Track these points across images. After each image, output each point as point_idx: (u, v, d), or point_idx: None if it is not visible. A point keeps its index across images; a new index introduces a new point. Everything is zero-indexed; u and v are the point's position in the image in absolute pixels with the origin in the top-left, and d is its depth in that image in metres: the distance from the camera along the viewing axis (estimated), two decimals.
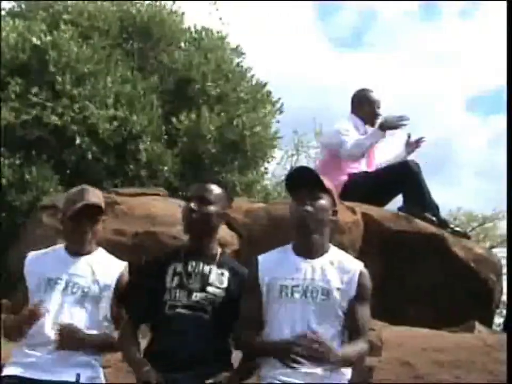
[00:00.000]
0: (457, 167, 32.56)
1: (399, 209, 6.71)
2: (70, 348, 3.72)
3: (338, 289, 3.46)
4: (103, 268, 3.90)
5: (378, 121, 6.92)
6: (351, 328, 3.48)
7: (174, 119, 10.27)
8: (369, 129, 7.07)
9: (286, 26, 32.96)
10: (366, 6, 39.11)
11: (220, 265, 3.69)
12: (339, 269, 3.51)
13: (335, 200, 3.60)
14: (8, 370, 3.74)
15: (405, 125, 6.78)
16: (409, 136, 7.16)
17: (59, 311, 3.77)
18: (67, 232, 3.96)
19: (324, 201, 3.52)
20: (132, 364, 3.63)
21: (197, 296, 3.60)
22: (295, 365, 3.29)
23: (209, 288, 3.62)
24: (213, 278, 3.65)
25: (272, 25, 30.71)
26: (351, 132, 6.89)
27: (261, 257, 3.61)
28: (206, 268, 3.67)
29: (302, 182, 3.53)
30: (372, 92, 7.19)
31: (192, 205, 3.68)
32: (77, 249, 3.91)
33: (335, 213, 3.59)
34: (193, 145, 10.22)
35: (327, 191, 3.55)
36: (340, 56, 37.95)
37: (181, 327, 3.54)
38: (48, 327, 3.74)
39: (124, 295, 3.86)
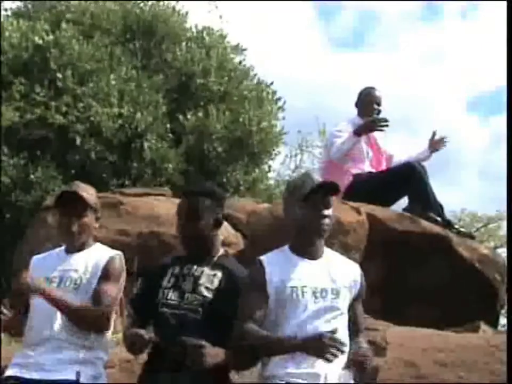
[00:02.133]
0: (459, 167, 32.52)
1: (404, 209, 6.70)
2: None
3: (345, 287, 3.50)
4: (95, 258, 3.89)
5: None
6: (353, 326, 3.51)
7: (180, 117, 10.28)
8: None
9: (286, 25, 32.98)
10: (366, 6, 39.11)
11: (214, 267, 3.70)
12: (342, 268, 3.56)
13: None
14: (9, 372, 3.75)
15: (381, 128, 6.76)
16: (434, 135, 7.12)
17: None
18: (58, 227, 3.98)
19: (332, 208, 3.56)
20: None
21: (188, 297, 3.62)
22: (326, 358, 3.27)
23: (199, 289, 3.63)
24: (203, 279, 3.66)
25: (272, 25, 30.75)
26: (343, 133, 6.86)
27: (265, 259, 3.59)
28: (199, 270, 3.68)
29: (319, 191, 3.54)
30: (371, 89, 7.16)
31: (182, 225, 3.71)
32: (72, 246, 3.91)
33: None
34: (199, 143, 10.23)
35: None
36: (340, 56, 37.97)
37: (172, 327, 3.56)
38: (45, 324, 3.74)
39: (108, 276, 3.83)
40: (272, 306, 3.48)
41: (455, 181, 29.85)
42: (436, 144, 7.15)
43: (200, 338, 3.47)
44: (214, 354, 3.45)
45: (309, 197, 3.51)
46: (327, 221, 3.51)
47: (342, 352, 3.25)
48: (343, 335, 3.42)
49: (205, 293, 3.62)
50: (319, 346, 3.24)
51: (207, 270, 3.69)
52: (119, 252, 3.95)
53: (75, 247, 3.92)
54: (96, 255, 3.91)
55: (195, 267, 3.69)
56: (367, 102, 7.07)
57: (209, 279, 3.66)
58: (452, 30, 38.91)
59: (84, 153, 9.60)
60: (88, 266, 3.86)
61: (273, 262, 3.57)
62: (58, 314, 3.75)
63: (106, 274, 3.84)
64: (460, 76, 38.45)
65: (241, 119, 10.41)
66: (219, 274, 3.68)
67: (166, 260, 3.88)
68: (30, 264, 3.98)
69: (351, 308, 3.52)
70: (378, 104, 7.07)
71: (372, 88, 7.19)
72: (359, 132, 6.75)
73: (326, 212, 3.51)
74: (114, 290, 3.83)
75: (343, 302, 3.48)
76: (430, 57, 37.89)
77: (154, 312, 3.65)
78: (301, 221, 3.53)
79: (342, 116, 7.29)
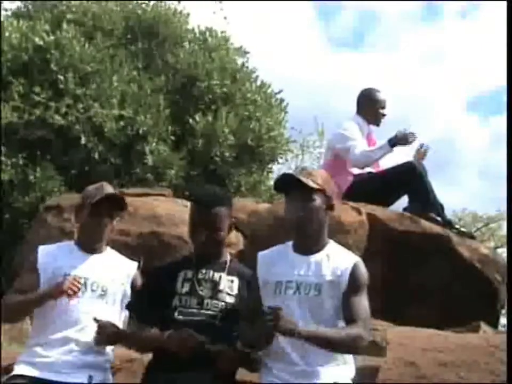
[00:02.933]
0: (459, 167, 32.59)
1: (405, 209, 6.69)
2: (108, 344, 3.75)
3: (330, 282, 3.48)
4: (119, 267, 3.94)
5: (388, 138, 6.88)
6: (345, 318, 3.48)
7: (190, 120, 10.27)
8: (373, 129, 7.07)
9: (286, 26, 33.05)
10: (366, 6, 39.24)
11: (229, 273, 3.71)
12: (333, 263, 3.53)
13: (328, 195, 3.60)
14: (20, 369, 3.73)
15: (413, 142, 6.80)
16: (421, 146, 6.98)
17: (78, 308, 3.76)
18: (85, 225, 3.95)
19: (315, 202, 3.53)
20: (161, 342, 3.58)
21: (208, 303, 3.62)
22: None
23: (220, 295, 3.65)
24: (223, 285, 3.67)
25: (272, 25, 30.82)
26: (357, 135, 6.86)
27: (260, 254, 3.67)
28: (216, 275, 3.68)
29: (291, 185, 3.54)
30: (376, 92, 7.14)
31: (203, 236, 3.65)
32: (90, 246, 3.92)
33: (331, 207, 3.61)
34: (206, 147, 10.22)
35: (317, 189, 3.55)
36: (340, 56, 38.06)
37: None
38: (65, 325, 3.73)
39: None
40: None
41: (455, 180, 29.93)
42: (420, 156, 7.00)
43: (216, 343, 3.48)
44: (236, 356, 3.50)
45: (287, 192, 3.56)
46: (302, 213, 3.49)
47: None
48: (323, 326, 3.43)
49: (227, 299, 3.64)
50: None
51: (224, 275, 3.70)
52: (136, 263, 4.03)
53: (95, 248, 3.93)
54: (118, 263, 3.97)
55: (211, 272, 3.69)
56: (371, 105, 7.05)
57: (228, 285, 3.68)
58: (451, 30, 39.05)
59: (85, 153, 9.60)
60: (114, 274, 3.89)
61: (267, 256, 3.63)
62: (85, 315, 3.74)
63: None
64: (460, 76, 38.60)
65: (251, 126, 10.41)
66: (236, 280, 3.71)
67: (171, 262, 3.88)
68: (37, 253, 3.93)
69: (344, 302, 3.48)
70: (383, 108, 7.07)
71: (376, 90, 7.17)
72: (394, 143, 6.77)
73: (302, 204, 3.49)
74: None
75: (327, 297, 3.46)
76: (430, 57, 38.05)
77: (167, 318, 3.62)
78: (285, 216, 3.58)
79: (342, 116, 7.29)
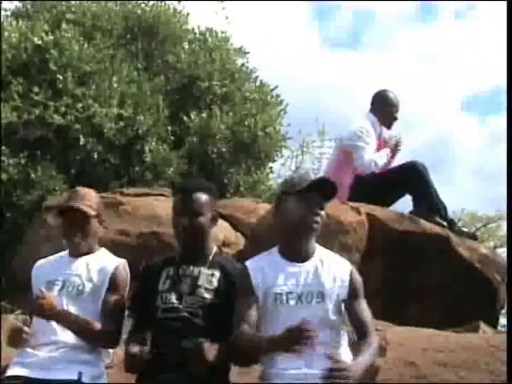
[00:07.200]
0: (456, 167, 32.57)
1: (411, 213, 6.65)
2: (44, 314, 3.71)
3: (330, 288, 3.46)
4: (99, 265, 3.91)
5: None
6: (357, 329, 3.48)
7: (184, 117, 10.27)
8: (385, 131, 7.08)
9: (284, 25, 33.03)
10: (364, 6, 39.29)
11: (211, 266, 3.67)
12: (330, 270, 3.50)
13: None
14: (11, 371, 3.75)
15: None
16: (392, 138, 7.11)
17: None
18: (62, 234, 4.03)
19: (325, 211, 3.54)
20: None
21: (187, 300, 3.59)
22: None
23: (199, 291, 3.60)
24: (202, 280, 3.63)
25: (269, 25, 30.80)
26: (370, 137, 6.86)
27: (250, 264, 3.57)
28: (196, 270, 3.65)
29: (317, 189, 3.51)
30: (392, 94, 7.16)
31: (184, 221, 3.66)
32: (75, 250, 3.94)
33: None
34: (202, 144, 10.22)
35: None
36: (338, 56, 38.07)
37: (172, 331, 3.52)
38: (49, 328, 3.74)
39: (116, 288, 3.86)
40: (261, 313, 3.48)
41: (452, 180, 29.88)
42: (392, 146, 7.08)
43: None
44: (214, 349, 3.42)
45: (304, 192, 3.48)
46: (318, 218, 3.47)
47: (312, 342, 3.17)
48: (331, 338, 3.41)
49: (205, 294, 3.59)
50: (290, 340, 3.22)
51: (204, 269, 3.66)
52: (123, 260, 3.98)
53: (80, 253, 3.94)
54: (100, 262, 3.93)
55: (191, 267, 3.66)
56: (387, 107, 7.10)
57: (207, 280, 3.63)
58: (449, 30, 39.07)
59: (85, 153, 9.59)
60: (92, 273, 3.88)
61: (258, 267, 3.54)
62: None
63: (114, 286, 3.87)
64: (457, 75, 38.57)
65: (246, 122, 10.40)
66: (217, 273, 3.66)
67: (157, 260, 3.85)
68: (32, 272, 4.01)
69: (349, 310, 3.47)
70: (397, 112, 7.11)
71: (392, 93, 7.20)
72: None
73: (319, 211, 3.48)
74: (123, 304, 3.86)
75: (330, 305, 3.43)
76: (427, 57, 38.00)
77: (153, 317, 3.62)
78: (293, 216, 3.49)
79: (341, 115, 7.31)
